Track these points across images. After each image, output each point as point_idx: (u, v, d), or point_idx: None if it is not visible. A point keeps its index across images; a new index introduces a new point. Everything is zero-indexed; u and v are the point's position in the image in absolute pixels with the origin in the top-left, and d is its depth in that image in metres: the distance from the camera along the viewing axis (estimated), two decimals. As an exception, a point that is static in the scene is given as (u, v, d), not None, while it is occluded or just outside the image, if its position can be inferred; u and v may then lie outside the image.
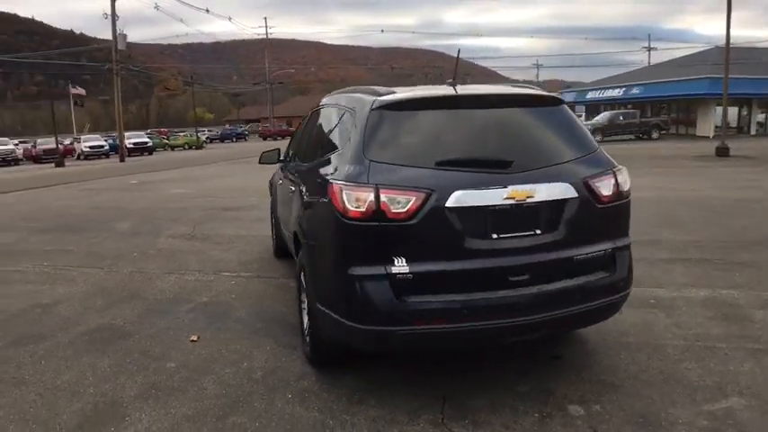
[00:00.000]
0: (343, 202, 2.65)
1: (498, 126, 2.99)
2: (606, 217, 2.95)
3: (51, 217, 10.06)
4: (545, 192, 2.74)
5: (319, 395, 3.07)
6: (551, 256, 2.78)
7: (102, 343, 3.93)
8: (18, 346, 3.92)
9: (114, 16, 29.86)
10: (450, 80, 3.26)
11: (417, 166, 2.71)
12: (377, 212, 2.60)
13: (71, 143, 37.57)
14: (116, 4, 30.30)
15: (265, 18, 53.92)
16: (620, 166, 3.06)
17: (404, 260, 2.62)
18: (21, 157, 35.08)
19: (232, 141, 57.99)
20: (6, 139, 37.27)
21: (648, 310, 4.10)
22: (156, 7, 34.88)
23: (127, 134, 35.96)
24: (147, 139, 38.63)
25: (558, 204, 2.80)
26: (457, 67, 3.29)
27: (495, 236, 2.70)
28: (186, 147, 46.72)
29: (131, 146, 35.53)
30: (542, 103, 3.18)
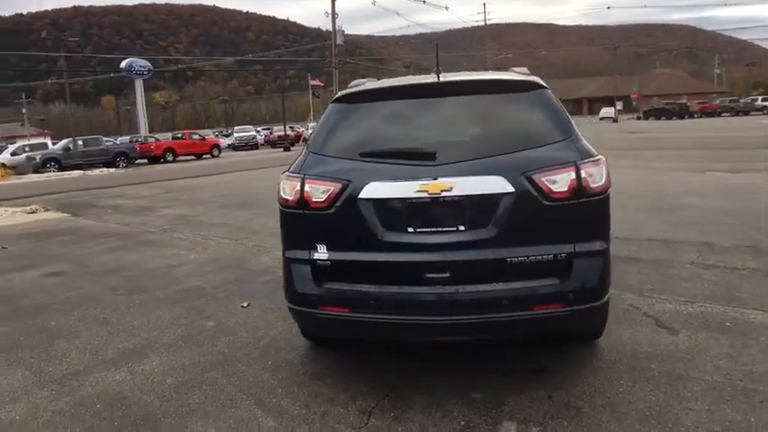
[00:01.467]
0: (281, 192, 2.84)
1: (452, 115, 2.82)
2: (559, 216, 2.56)
3: (239, 195, 11.95)
4: (468, 185, 2.52)
5: (292, 367, 3.32)
6: (478, 255, 2.55)
7: (180, 301, 4.73)
8: (126, 296, 4.96)
9: (334, 14, 33.14)
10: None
11: (346, 157, 2.75)
12: (301, 201, 2.74)
13: (301, 130, 43.05)
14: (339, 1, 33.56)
15: (484, 4, 53.73)
16: (593, 158, 2.62)
17: (324, 247, 2.71)
18: (262, 142, 41.38)
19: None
20: (250, 126, 44.45)
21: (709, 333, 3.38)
22: (373, 3, 37.55)
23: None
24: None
25: (488, 199, 2.54)
26: (437, 58, 3.11)
27: (411, 230, 2.60)
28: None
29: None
30: (512, 89, 2.88)
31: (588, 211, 2.60)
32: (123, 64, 48.79)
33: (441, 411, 2.72)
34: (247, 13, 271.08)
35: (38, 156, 25.29)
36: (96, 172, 24.44)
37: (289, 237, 2.87)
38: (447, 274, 2.56)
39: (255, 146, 40.31)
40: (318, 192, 2.70)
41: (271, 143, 40.47)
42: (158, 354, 3.63)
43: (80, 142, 26.32)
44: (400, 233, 2.62)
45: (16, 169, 24.01)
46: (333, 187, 2.67)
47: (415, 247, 2.60)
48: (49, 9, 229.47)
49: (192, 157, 31.98)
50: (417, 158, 2.64)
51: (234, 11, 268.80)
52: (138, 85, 49.13)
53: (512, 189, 2.52)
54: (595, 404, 2.70)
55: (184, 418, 2.82)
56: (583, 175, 2.56)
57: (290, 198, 2.78)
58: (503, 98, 2.87)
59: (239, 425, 2.73)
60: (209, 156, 32.70)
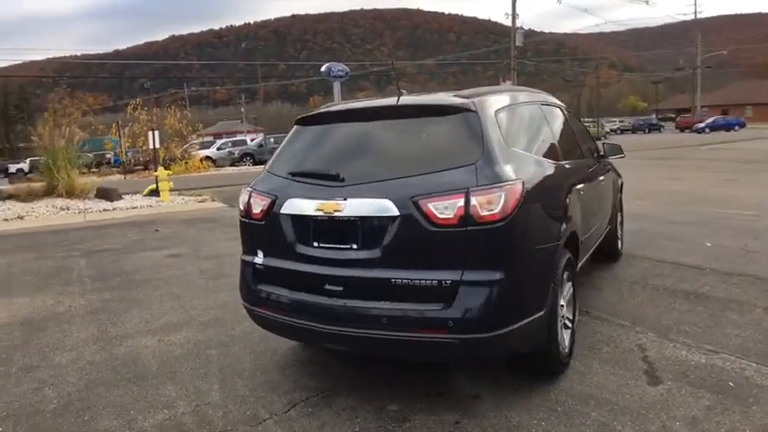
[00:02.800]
0: (240, 203, 3.26)
1: (373, 138, 2.93)
2: (445, 243, 2.54)
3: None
4: (357, 207, 2.65)
5: (273, 356, 3.73)
6: (366, 273, 2.66)
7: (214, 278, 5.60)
8: (208, 279, 5.88)
9: (514, 15, 32.47)
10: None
11: (281, 175, 3.06)
12: (247, 212, 3.14)
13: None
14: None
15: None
16: (493, 185, 2.54)
17: (261, 254, 3.05)
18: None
19: (644, 133, 54.31)
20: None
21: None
22: (559, 1, 35.82)
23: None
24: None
25: (376, 221, 2.63)
26: (398, 84, 3.20)
27: (315, 244, 2.81)
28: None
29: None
30: (435, 113, 2.89)
31: (479, 240, 2.53)
32: (323, 68, 54.00)
33: (349, 414, 2.89)
34: (450, 14, 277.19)
35: (236, 151, 29.55)
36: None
37: (243, 242, 3.28)
38: (341, 288, 2.73)
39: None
40: (257, 205, 3.06)
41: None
42: (189, 329, 4.33)
43: (272, 139, 29.96)
44: (308, 246, 2.85)
45: (216, 162, 28.34)
46: (265, 202, 3.01)
47: (318, 261, 2.81)
48: (272, 18, 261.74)
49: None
50: (328, 179, 2.83)
51: (437, 13, 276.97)
52: (336, 87, 53.96)
53: (397, 213, 2.58)
54: (495, 428, 2.63)
55: (162, 382, 3.41)
56: (473, 202, 2.50)
57: (242, 208, 3.20)
58: (425, 122, 2.90)
59: (196, 395, 3.22)
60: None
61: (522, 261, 2.66)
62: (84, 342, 4.17)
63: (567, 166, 3.57)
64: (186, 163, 24.86)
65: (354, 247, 2.73)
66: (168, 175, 13.35)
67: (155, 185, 13.35)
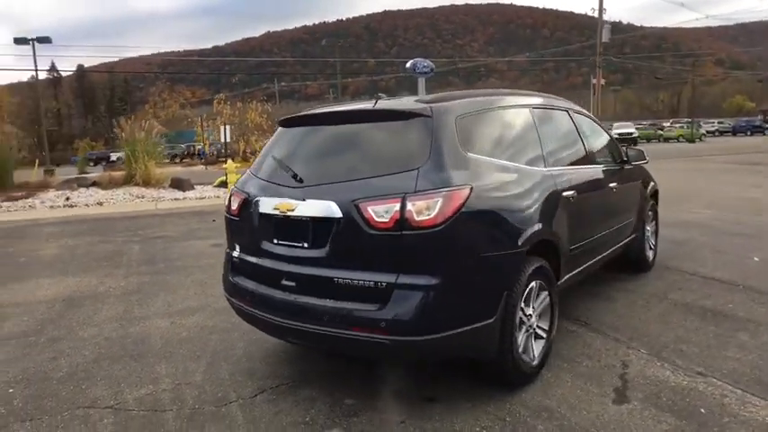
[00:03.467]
0: (226, 200, 3.48)
1: (336, 141, 3.01)
2: (382, 246, 2.58)
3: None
4: (306, 208, 2.75)
5: (262, 344, 3.92)
6: (314, 271, 2.77)
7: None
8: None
9: (601, 9, 30.88)
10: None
11: (257, 176, 3.23)
12: (229, 209, 3.34)
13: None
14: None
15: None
16: (431, 191, 2.54)
17: (238, 247, 3.24)
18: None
19: (746, 135, 49.83)
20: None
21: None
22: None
23: (615, 124, 37.21)
24: (632, 130, 38.66)
25: (323, 222, 2.72)
26: (376, 91, 3.23)
27: (275, 241, 2.95)
28: (681, 139, 43.73)
29: (617, 136, 36.54)
30: (391, 117, 2.92)
31: (414, 245, 2.55)
32: (408, 64, 54.12)
33: (307, 404, 3.02)
34: (544, 9, 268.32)
35: None
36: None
37: (226, 236, 3.49)
38: (293, 284, 2.86)
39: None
40: (234, 202, 3.27)
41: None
42: (201, 314, 4.64)
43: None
44: (270, 243, 3.00)
45: None
46: (240, 199, 3.20)
47: (277, 257, 2.95)
48: (364, 14, 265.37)
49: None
50: (291, 180, 2.95)
51: (530, 8, 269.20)
52: (421, 83, 53.86)
53: (340, 215, 2.66)
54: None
55: (158, 361, 3.71)
56: (408, 207, 2.52)
57: (226, 205, 3.40)
58: (383, 126, 2.94)
59: (182, 374, 3.48)
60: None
61: (461, 267, 2.65)
62: (109, 320, 4.59)
63: (555, 172, 3.46)
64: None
65: (305, 245, 2.85)
66: (238, 167, 14.07)
67: (224, 177, 14.14)
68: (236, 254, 3.29)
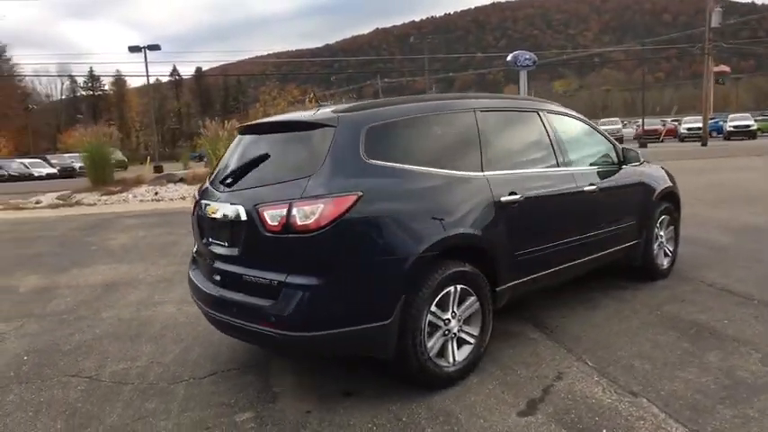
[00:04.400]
0: None
1: (261, 149, 3.25)
2: (274, 247, 2.81)
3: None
4: (224, 210, 3.04)
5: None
6: (230, 267, 3.06)
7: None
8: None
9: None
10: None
11: (209, 180, 3.56)
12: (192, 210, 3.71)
13: (673, 125, 38.40)
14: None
15: None
16: (313, 197, 2.73)
17: (195, 245, 3.61)
18: (632, 136, 38.58)
19: None
20: (616, 119, 42.33)
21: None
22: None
23: (731, 116, 33.88)
24: (749, 122, 34.80)
25: (236, 224, 2.98)
26: (316, 97, 3.40)
27: (209, 239, 3.28)
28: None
29: (732, 129, 33.22)
30: (302, 128, 3.13)
31: (298, 247, 2.74)
32: (509, 57, 52.49)
33: (239, 388, 3.32)
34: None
35: None
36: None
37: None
38: (219, 278, 3.16)
39: (620, 140, 38.31)
40: (192, 204, 3.62)
41: (638, 138, 37.67)
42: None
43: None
44: (206, 241, 3.32)
45: None
46: (194, 202, 3.55)
47: (210, 254, 3.27)
48: (472, 7, 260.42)
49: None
50: (223, 185, 3.26)
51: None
52: (523, 76, 51.92)
53: (245, 218, 2.91)
54: (329, 423, 2.85)
55: (148, 342, 4.20)
56: (293, 212, 2.72)
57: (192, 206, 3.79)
58: (295, 136, 3.15)
59: (159, 354, 3.93)
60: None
61: (345, 269, 2.79)
62: (130, 304, 5.21)
63: (494, 176, 3.44)
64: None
65: (226, 245, 3.15)
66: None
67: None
68: (194, 250, 3.67)
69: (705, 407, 2.83)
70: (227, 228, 3.11)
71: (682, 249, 6.10)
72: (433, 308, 3.05)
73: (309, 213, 2.71)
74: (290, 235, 2.74)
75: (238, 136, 3.71)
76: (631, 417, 2.78)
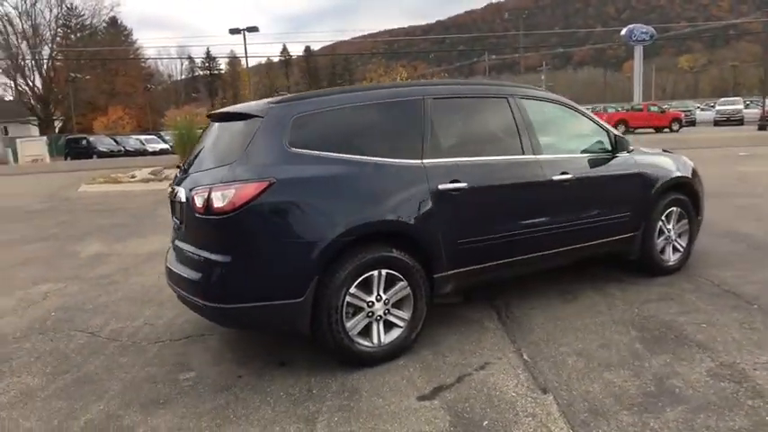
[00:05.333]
0: None
1: (212, 137, 3.55)
2: (202, 227, 3.12)
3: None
4: (178, 194, 3.39)
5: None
6: (181, 245, 3.45)
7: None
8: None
9: None
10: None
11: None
12: None
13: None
14: None
15: None
16: (226, 182, 2.99)
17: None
18: (758, 117, 34.53)
19: None
20: (738, 98, 37.90)
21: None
22: None
23: None
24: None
25: (182, 206, 3.33)
26: (277, 90, 3.61)
27: (175, 220, 3.64)
28: None
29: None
30: (240, 118, 3.35)
31: (215, 227, 3.03)
32: (623, 32, 48.81)
33: (195, 351, 3.71)
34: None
35: None
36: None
37: None
38: (176, 254, 3.55)
39: (740, 121, 34.35)
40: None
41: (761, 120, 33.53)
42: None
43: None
44: (174, 222, 3.71)
45: None
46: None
47: (174, 233, 3.64)
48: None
49: (652, 131, 30.67)
50: (185, 170, 3.60)
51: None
52: (638, 52, 48.05)
53: (185, 200, 3.23)
54: (251, 388, 3.15)
55: (152, 306, 4.75)
56: (212, 196, 2.99)
57: None
58: (234, 125, 3.38)
59: (154, 318, 4.46)
60: (667, 130, 30.60)
61: (256, 249, 3.03)
62: (156, 273, 5.82)
63: (434, 164, 3.45)
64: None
65: (179, 224, 3.53)
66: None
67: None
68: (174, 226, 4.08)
69: (608, 411, 2.73)
70: (181, 209, 3.47)
71: (713, 243, 5.64)
72: (352, 290, 3.19)
73: (223, 197, 2.98)
74: (211, 216, 3.04)
75: (210, 122, 4.05)
76: (523, 412, 2.76)
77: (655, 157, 4.72)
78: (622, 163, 4.37)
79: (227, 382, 3.28)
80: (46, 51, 38.69)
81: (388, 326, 3.38)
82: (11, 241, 8.05)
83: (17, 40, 37.42)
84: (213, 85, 65.77)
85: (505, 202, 3.77)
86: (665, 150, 5.20)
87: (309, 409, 2.91)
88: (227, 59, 67.70)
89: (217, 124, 3.70)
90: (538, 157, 3.91)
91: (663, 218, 4.61)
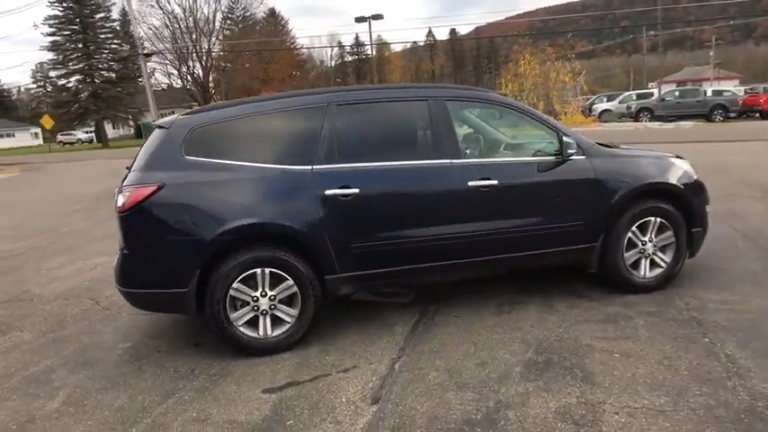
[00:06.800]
0: None
1: (145, 144, 3.84)
2: (118, 223, 3.57)
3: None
4: None
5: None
6: None
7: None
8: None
9: None
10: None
11: None
12: None
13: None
14: None
15: None
16: (130, 185, 3.43)
17: None
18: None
19: None
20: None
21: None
22: None
23: None
24: None
25: None
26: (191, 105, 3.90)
27: None
28: None
29: None
30: (160, 128, 3.71)
31: (119, 223, 3.51)
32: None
33: (143, 326, 4.29)
34: None
35: (633, 105, 26.95)
36: (688, 124, 24.08)
37: None
38: None
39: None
40: None
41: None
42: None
43: (676, 93, 26.08)
44: None
45: (601, 117, 26.69)
46: None
47: None
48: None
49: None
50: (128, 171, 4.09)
51: None
52: None
53: None
54: (153, 363, 3.64)
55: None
56: (117, 196, 3.47)
57: None
58: (155, 133, 3.71)
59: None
60: None
61: (144, 244, 3.47)
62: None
63: (324, 170, 3.56)
64: (563, 117, 24.88)
65: None
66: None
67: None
68: None
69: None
70: None
71: (734, 256, 4.94)
72: (236, 284, 3.48)
73: (123, 198, 3.45)
74: (118, 214, 3.52)
75: None
76: (333, 419, 2.86)
77: (624, 161, 4.20)
78: (572, 168, 3.98)
79: (145, 354, 3.81)
80: (205, 44, 43.84)
81: (277, 321, 3.60)
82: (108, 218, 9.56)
83: (181, 33, 42.93)
84: (362, 70, 68.51)
85: (407, 208, 3.72)
86: (668, 153, 4.59)
87: (177, 386, 3.32)
88: (374, 45, 70.04)
89: (153, 131, 4.17)
90: (453, 161, 3.77)
91: (634, 228, 4.13)
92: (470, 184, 3.76)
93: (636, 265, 4.20)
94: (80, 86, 49.31)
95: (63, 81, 50.57)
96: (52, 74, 51.85)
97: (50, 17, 48.17)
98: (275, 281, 3.55)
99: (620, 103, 28.95)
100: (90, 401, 3.21)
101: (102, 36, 50.17)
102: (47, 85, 51.14)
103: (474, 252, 3.86)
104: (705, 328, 3.58)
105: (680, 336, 3.50)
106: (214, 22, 44.91)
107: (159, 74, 49.84)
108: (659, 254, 4.22)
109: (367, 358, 3.49)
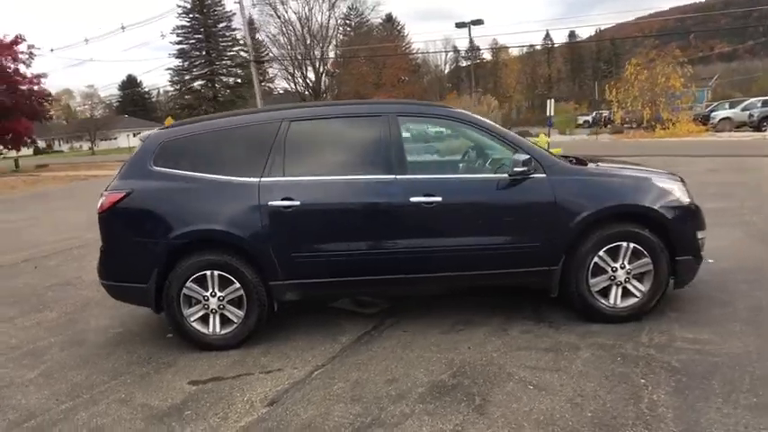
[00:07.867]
0: None
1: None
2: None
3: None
4: None
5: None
6: None
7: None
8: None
9: None
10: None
11: None
12: None
13: None
14: None
15: None
16: (109, 191, 3.88)
17: None
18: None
19: None
20: None
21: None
22: None
23: None
24: None
25: None
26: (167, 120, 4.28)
27: None
28: None
29: None
30: (143, 140, 4.11)
31: (98, 223, 3.97)
32: None
33: (125, 318, 4.80)
34: None
35: (756, 113, 23.75)
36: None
37: None
38: None
39: None
40: None
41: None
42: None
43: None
44: None
45: (716, 126, 23.87)
46: None
47: None
48: None
49: None
50: None
51: None
52: None
53: None
54: (126, 351, 4.10)
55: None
56: (100, 200, 3.95)
57: None
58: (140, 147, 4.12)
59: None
60: None
61: (115, 242, 3.93)
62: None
63: (269, 182, 3.77)
64: (671, 125, 22.84)
65: None
66: (546, 143, 13.98)
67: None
68: None
69: None
70: None
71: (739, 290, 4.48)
72: (189, 284, 3.83)
73: (101, 201, 3.94)
74: (98, 215, 4.01)
75: None
76: (216, 412, 3.10)
77: (590, 180, 3.93)
78: (528, 186, 3.81)
79: (125, 339, 4.30)
80: (318, 50, 45.83)
81: (226, 320, 3.91)
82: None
83: (296, 40, 45.37)
84: (475, 74, 67.87)
85: (347, 221, 3.82)
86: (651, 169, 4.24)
87: (127, 370, 3.76)
88: (491, 49, 68.94)
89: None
90: (397, 177, 3.80)
91: (602, 253, 3.88)
92: (412, 199, 3.78)
93: (605, 292, 3.95)
94: (202, 91, 54.90)
95: (190, 85, 56.65)
96: (177, 78, 57.78)
97: (178, 27, 54.63)
98: (224, 283, 3.84)
99: (741, 110, 25.82)
100: (58, 375, 3.73)
101: (224, 44, 55.28)
102: (182, 87, 57.20)
103: (420, 268, 3.87)
104: (650, 369, 3.29)
105: (615, 374, 3.26)
106: (328, 29, 46.99)
107: (279, 79, 53.31)
108: (634, 282, 3.92)
109: (295, 363, 3.66)
